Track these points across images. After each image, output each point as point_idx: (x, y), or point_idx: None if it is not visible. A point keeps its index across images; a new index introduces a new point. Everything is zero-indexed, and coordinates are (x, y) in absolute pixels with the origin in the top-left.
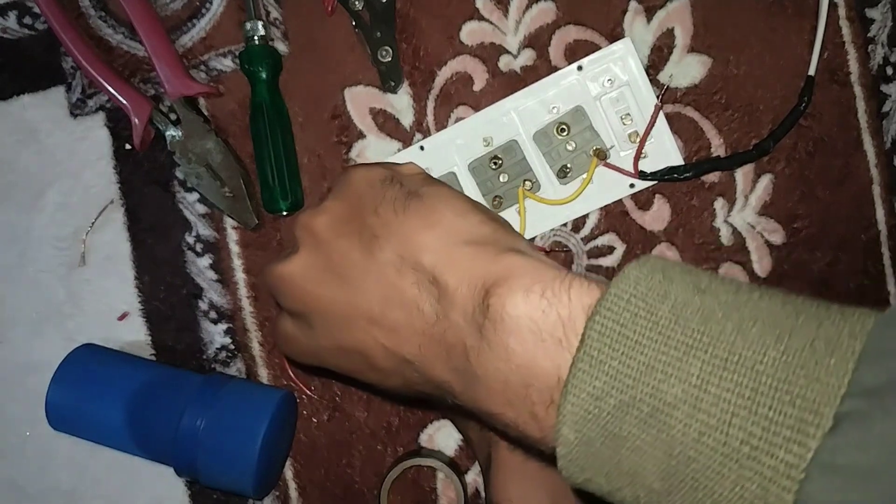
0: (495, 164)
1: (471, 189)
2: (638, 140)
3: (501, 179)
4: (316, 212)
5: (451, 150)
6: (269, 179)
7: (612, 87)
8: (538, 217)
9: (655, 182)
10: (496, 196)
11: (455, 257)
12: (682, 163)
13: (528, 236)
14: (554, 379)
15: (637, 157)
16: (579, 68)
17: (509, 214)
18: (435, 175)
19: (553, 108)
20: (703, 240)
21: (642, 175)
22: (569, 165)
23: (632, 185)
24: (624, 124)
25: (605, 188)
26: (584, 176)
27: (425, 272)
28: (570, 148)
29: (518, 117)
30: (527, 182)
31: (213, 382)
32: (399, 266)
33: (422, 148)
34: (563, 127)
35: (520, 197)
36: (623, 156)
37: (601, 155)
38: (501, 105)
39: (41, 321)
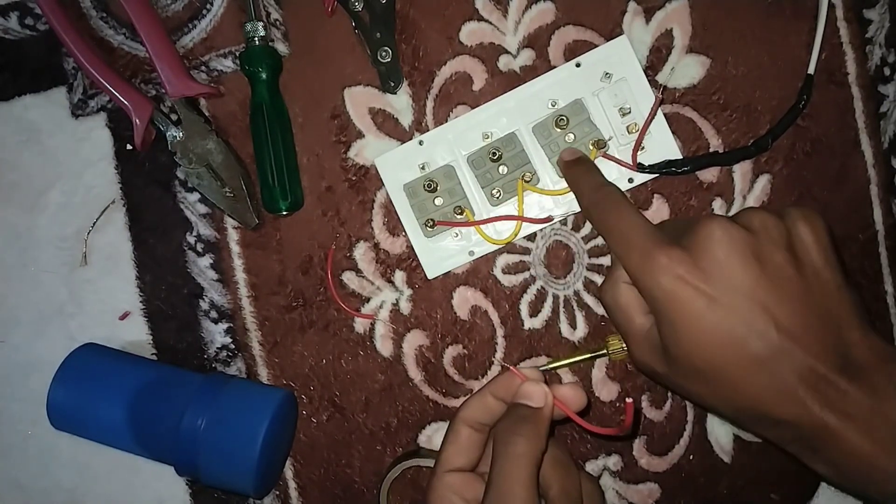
0: (494, 156)
1: (470, 181)
2: (637, 131)
3: (501, 171)
4: None
5: (450, 144)
6: (269, 179)
7: (610, 82)
8: (537, 210)
9: (654, 175)
10: (495, 188)
11: None
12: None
13: (527, 230)
14: None
15: (636, 148)
16: (577, 65)
17: (508, 207)
18: (434, 168)
19: (552, 102)
20: None
21: (640, 167)
22: None
23: (630, 181)
24: (623, 117)
25: None
26: None
27: None
28: (568, 140)
29: (517, 111)
30: (526, 174)
31: (214, 382)
32: None
33: (420, 143)
34: (562, 119)
35: (519, 188)
36: (622, 149)
37: (600, 145)
38: (500, 100)
39: (43, 321)
